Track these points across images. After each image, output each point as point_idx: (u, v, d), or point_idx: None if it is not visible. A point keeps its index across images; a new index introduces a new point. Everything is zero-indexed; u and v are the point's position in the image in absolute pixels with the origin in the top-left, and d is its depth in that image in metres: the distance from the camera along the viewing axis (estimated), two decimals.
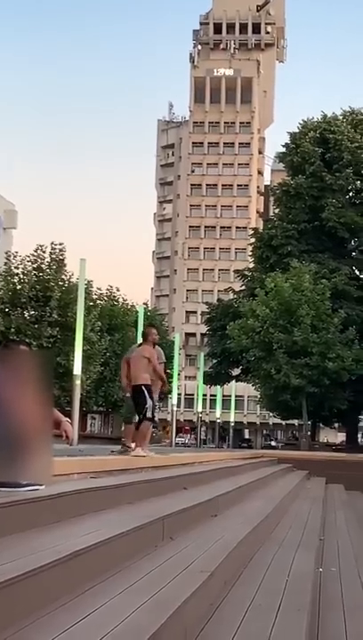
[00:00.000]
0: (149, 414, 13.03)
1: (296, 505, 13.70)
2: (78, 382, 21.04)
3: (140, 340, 16.06)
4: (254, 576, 6.35)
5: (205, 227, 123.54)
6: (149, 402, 12.95)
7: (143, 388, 13.03)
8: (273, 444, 78.08)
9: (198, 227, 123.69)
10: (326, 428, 73.04)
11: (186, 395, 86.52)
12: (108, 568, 4.95)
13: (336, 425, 68.84)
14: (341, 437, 73.98)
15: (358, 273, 51.78)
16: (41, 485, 5.87)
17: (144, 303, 56.58)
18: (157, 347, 14.26)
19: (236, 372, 54.62)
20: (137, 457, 12.41)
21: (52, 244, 45.41)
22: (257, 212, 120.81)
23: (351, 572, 7.90)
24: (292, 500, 14.13)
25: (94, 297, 51.48)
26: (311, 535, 9.54)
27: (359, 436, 61.19)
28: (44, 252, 45.39)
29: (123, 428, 15.73)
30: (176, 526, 6.88)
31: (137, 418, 13.68)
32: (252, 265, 57.01)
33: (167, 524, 6.61)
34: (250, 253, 58.15)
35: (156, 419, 14.01)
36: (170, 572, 5.06)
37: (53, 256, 45.29)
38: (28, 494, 5.55)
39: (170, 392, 36.31)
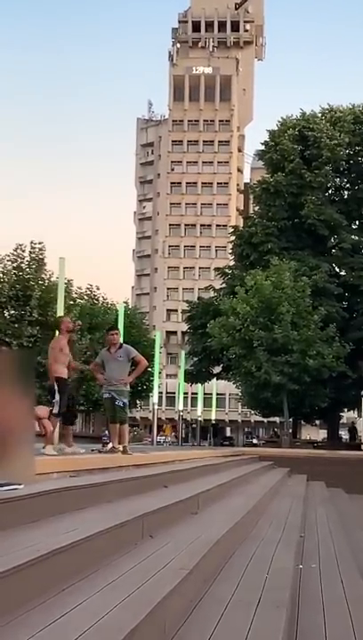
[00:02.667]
0: (55, 410, 12.52)
1: (277, 502, 13.74)
2: None
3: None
4: (234, 573, 6.37)
5: (186, 225, 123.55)
6: (57, 397, 12.51)
7: (55, 381, 12.64)
8: (255, 441, 78.07)
9: (178, 225, 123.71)
10: (308, 426, 73.20)
11: (167, 393, 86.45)
12: (88, 566, 4.95)
13: (318, 422, 68.99)
14: (322, 434, 74.18)
15: (337, 270, 51.89)
16: (20, 485, 5.86)
17: (124, 302, 56.47)
18: (125, 345, 14.32)
19: (217, 369, 54.63)
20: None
21: (31, 243, 45.34)
22: (237, 209, 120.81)
23: (332, 568, 7.93)
24: (273, 497, 14.16)
25: (74, 296, 51.36)
26: (292, 532, 9.58)
27: (342, 433, 61.33)
28: (23, 251, 45.29)
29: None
30: (156, 524, 6.89)
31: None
32: (232, 263, 57.04)
33: (147, 522, 6.62)
34: (230, 251, 58.14)
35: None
36: (149, 570, 5.07)
37: (33, 255, 45.19)
38: (7, 494, 5.55)
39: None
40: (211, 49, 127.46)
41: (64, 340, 13.02)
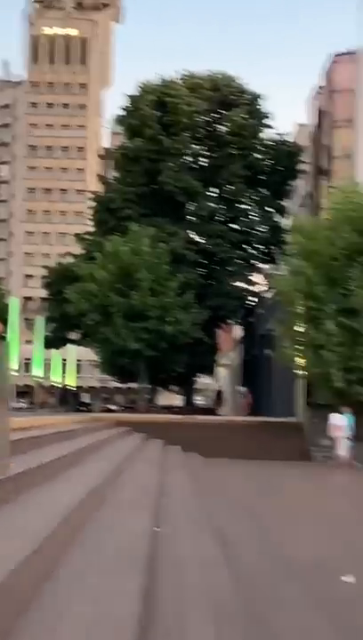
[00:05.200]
0: None
1: (134, 466, 13.84)
2: None
3: None
4: (91, 537, 6.39)
5: (43, 189, 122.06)
6: None
7: None
8: (113, 407, 78.33)
9: (35, 189, 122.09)
10: (166, 392, 73.92)
11: (25, 359, 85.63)
12: None
13: (176, 388, 69.70)
14: (180, 400, 75.01)
15: (196, 237, 52.25)
16: None
17: None
18: None
19: (75, 335, 54.40)
20: None
21: None
22: (97, 175, 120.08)
23: (187, 529, 8.07)
24: (130, 461, 14.25)
25: None
26: (149, 496, 9.67)
27: (199, 398, 62.15)
28: None
29: None
30: (13, 491, 6.82)
31: None
32: (91, 229, 56.66)
33: (1, 489, 6.56)
34: (90, 217, 57.75)
35: None
36: (4, 536, 5.02)
37: None
38: None
39: None
40: (68, 10, 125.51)
41: None
